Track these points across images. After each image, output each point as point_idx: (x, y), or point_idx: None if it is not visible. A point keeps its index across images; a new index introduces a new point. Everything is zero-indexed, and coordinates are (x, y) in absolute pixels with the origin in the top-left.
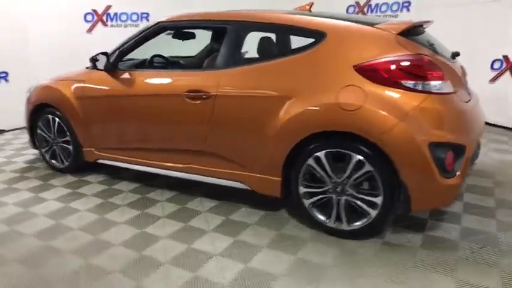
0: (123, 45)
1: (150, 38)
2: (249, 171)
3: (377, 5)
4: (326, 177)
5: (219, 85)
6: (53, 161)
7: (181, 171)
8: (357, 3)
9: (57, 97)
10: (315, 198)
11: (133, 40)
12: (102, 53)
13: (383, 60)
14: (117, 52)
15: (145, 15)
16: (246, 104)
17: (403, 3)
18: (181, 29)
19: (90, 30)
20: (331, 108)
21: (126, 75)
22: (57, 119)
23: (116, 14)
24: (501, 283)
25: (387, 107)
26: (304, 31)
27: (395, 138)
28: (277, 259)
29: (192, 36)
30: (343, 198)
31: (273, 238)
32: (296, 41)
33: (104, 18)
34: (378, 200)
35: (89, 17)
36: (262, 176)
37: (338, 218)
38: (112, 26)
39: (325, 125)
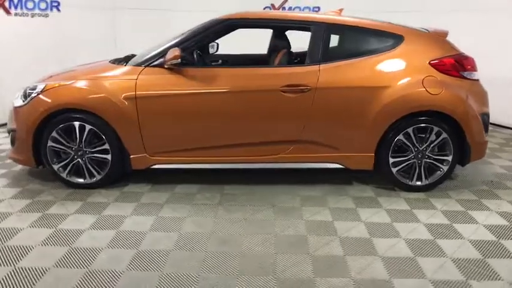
0: (184, 41)
1: (219, 35)
2: (343, 152)
3: (290, 7)
4: (412, 147)
5: (318, 79)
6: (74, 178)
7: (269, 162)
8: (272, 5)
9: (94, 99)
10: (402, 165)
11: (197, 36)
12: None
13: (449, 57)
14: (180, 48)
15: (55, 4)
16: (345, 95)
17: (313, 8)
18: (253, 27)
19: None
20: (422, 93)
21: (199, 73)
22: (88, 126)
23: (20, 0)
24: None
25: (456, 91)
26: (385, 34)
27: (465, 112)
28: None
29: None
30: (424, 161)
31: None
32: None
33: (7, 4)
34: (449, 158)
35: None
36: (357, 154)
37: (418, 178)
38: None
39: (417, 106)
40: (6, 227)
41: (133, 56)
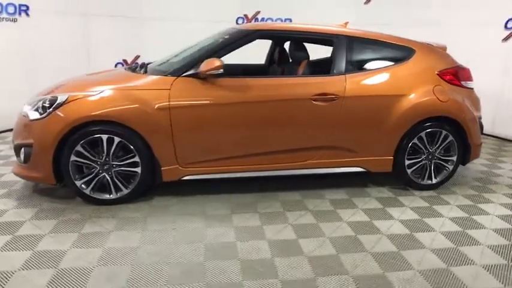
0: (216, 51)
1: (245, 44)
2: (365, 156)
3: (263, 18)
4: (424, 149)
5: (345, 88)
6: (99, 194)
7: (298, 169)
8: (245, 15)
9: (127, 110)
10: (416, 166)
11: (229, 46)
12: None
13: (451, 68)
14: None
15: (24, 8)
16: (368, 103)
17: (285, 19)
18: (279, 38)
19: None
20: (434, 101)
21: (232, 82)
22: (117, 138)
23: None
24: None
25: (459, 98)
26: (400, 47)
27: (467, 116)
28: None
29: None
30: (433, 161)
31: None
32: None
33: None
34: (454, 158)
35: None
36: (378, 158)
37: (429, 177)
38: None
39: (431, 112)
40: (47, 249)
41: (148, 64)
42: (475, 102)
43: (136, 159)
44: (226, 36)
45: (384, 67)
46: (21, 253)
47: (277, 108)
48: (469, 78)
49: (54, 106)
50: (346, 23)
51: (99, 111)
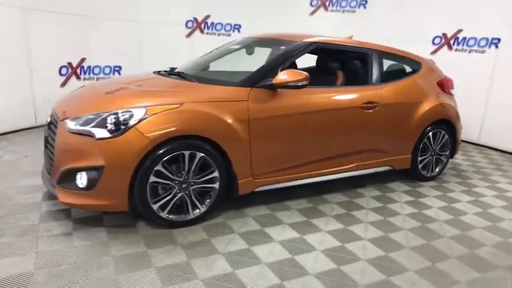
0: (283, 61)
1: (300, 56)
2: (392, 155)
3: (213, 23)
4: (430, 146)
5: (382, 96)
6: (173, 216)
7: (349, 171)
8: (195, 18)
9: (213, 124)
10: (424, 161)
11: (290, 57)
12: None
13: (443, 79)
14: (279, 69)
15: None
16: (398, 109)
17: (234, 25)
18: (331, 50)
19: None
20: (439, 106)
21: (302, 92)
22: (199, 154)
23: None
24: None
25: (450, 102)
26: (412, 60)
27: (457, 118)
28: None
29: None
30: (434, 157)
31: None
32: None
33: None
34: (447, 153)
35: None
36: (401, 156)
37: (432, 169)
38: None
39: (437, 115)
40: None
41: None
42: (456, 105)
43: (216, 174)
44: (282, 47)
45: (406, 78)
46: None
47: (339, 115)
48: (452, 86)
49: (131, 122)
50: (351, 37)
51: (186, 126)
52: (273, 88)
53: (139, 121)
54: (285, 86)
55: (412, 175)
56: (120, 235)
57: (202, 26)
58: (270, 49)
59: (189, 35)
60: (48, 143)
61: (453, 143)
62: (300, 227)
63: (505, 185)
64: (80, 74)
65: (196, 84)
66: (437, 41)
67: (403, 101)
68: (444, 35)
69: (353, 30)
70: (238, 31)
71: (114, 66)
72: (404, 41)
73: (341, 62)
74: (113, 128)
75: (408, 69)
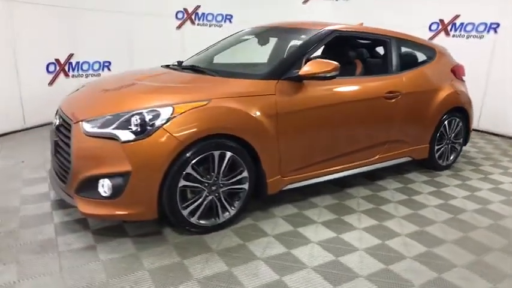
0: (306, 51)
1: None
2: (411, 146)
3: (203, 14)
4: (446, 135)
5: (403, 85)
6: (204, 221)
7: (373, 164)
8: (185, 9)
9: (244, 121)
10: (440, 150)
11: (314, 47)
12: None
13: (456, 66)
14: (303, 59)
15: None
16: (418, 98)
17: (226, 15)
18: (351, 39)
19: None
20: (454, 94)
21: (329, 83)
22: (228, 153)
23: None
24: None
25: (463, 89)
26: (428, 47)
27: (470, 105)
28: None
29: None
30: (449, 145)
31: None
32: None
33: None
34: (461, 141)
35: None
36: (419, 146)
37: (447, 158)
38: None
39: (452, 103)
40: None
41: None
42: (467, 92)
43: (245, 174)
44: (303, 36)
45: (422, 65)
46: None
47: (365, 106)
48: (464, 73)
49: (157, 122)
50: (361, 24)
51: (217, 124)
52: (299, 80)
53: (167, 121)
54: (313, 77)
55: (429, 164)
56: (149, 245)
57: (193, 16)
58: (285, 39)
59: (179, 27)
60: (59, 148)
61: (466, 131)
62: (334, 225)
63: None
64: (69, 70)
65: (219, 78)
66: (434, 27)
67: (422, 89)
68: (441, 21)
69: (348, 18)
70: (230, 21)
71: (104, 62)
72: (400, 28)
73: (361, 51)
74: (138, 130)
75: (423, 56)
